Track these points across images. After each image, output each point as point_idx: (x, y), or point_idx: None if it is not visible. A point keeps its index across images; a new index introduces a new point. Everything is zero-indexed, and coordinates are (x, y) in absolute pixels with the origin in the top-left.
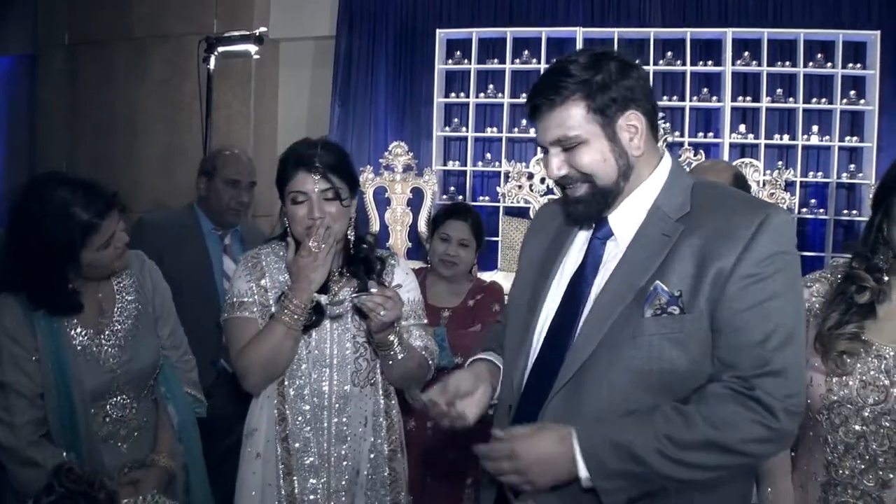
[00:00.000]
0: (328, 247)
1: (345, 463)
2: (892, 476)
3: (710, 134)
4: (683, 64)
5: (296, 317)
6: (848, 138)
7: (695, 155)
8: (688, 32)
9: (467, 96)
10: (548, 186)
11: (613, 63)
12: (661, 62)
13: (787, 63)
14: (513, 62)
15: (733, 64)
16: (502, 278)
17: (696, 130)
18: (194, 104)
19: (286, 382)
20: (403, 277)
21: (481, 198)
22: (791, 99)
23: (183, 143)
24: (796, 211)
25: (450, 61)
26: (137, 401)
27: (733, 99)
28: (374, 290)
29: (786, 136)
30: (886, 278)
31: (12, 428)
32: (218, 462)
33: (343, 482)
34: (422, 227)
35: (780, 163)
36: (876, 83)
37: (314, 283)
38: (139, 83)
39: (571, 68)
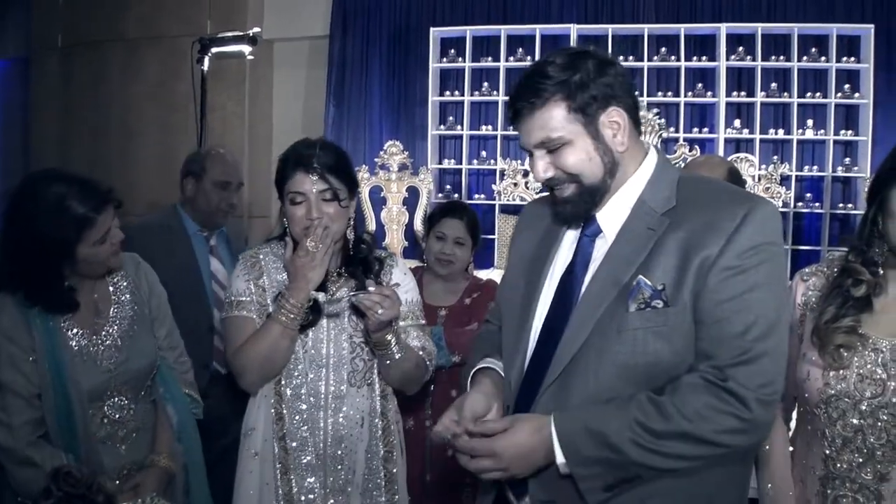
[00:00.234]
0: (325, 247)
1: (341, 463)
2: (889, 469)
3: (706, 129)
4: (678, 60)
5: (292, 316)
6: (843, 132)
7: (690, 150)
8: (682, 28)
9: (462, 95)
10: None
11: (591, 61)
12: (655, 58)
13: (782, 58)
14: (507, 60)
15: (727, 59)
16: (499, 276)
17: (690, 126)
18: (189, 105)
19: (283, 382)
20: (402, 278)
21: (477, 196)
22: (786, 93)
23: (178, 145)
24: (792, 205)
25: (444, 60)
26: (135, 402)
27: (728, 94)
28: (371, 289)
29: (781, 131)
30: (882, 272)
31: (10, 429)
32: (214, 462)
33: (340, 482)
34: (418, 225)
35: (775, 157)
36: (870, 77)
37: (311, 283)
38: (133, 85)
39: (549, 70)
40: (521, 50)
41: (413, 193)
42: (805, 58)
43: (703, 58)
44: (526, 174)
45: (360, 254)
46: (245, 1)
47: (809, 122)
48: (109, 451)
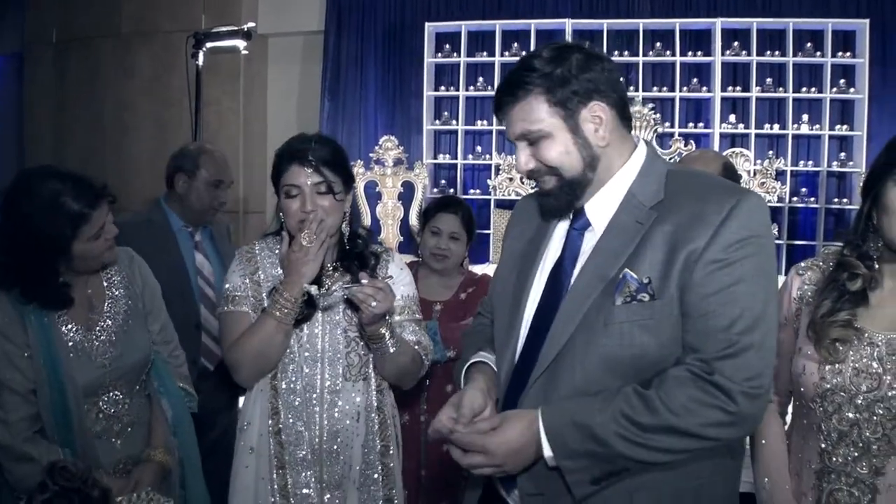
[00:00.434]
0: (319, 241)
1: (337, 457)
2: (885, 463)
3: (701, 124)
4: (673, 55)
5: (286, 310)
6: (838, 127)
7: (685, 145)
8: (677, 23)
9: (457, 89)
10: None
11: (576, 55)
12: (650, 53)
13: (777, 53)
14: (502, 55)
15: (723, 54)
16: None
17: (686, 121)
18: (183, 101)
19: (278, 377)
20: (397, 272)
21: (472, 191)
22: (781, 88)
23: (172, 140)
24: (787, 200)
25: (439, 55)
26: (130, 396)
27: (723, 89)
28: (364, 282)
29: (776, 126)
30: (878, 266)
31: (6, 425)
32: (205, 455)
33: (336, 477)
34: (413, 220)
35: (770, 152)
36: (865, 72)
37: (305, 278)
38: (128, 80)
39: (535, 63)
40: (515, 45)
41: (408, 188)
42: (800, 53)
43: (699, 53)
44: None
45: (356, 248)
46: None
47: (805, 117)
48: (105, 446)
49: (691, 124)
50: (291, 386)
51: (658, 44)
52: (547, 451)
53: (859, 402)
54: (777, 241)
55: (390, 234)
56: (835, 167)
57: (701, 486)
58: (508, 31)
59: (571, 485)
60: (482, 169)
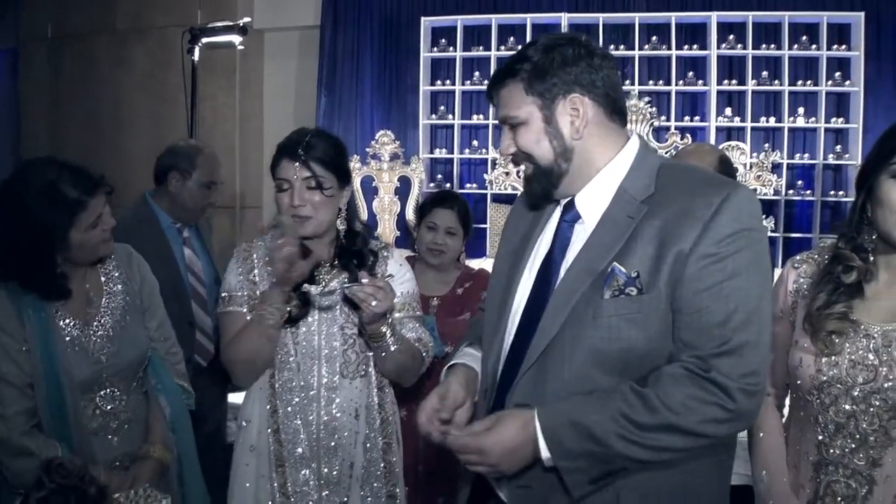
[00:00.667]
0: (293, 245)
1: (335, 455)
2: (882, 454)
3: (697, 118)
4: (669, 48)
5: (269, 317)
6: (834, 120)
7: (681, 139)
8: (672, 17)
9: (453, 84)
10: None
11: (568, 48)
12: (646, 47)
13: (773, 46)
14: (498, 49)
15: (718, 47)
16: (491, 265)
17: (682, 114)
18: (179, 97)
19: (276, 375)
20: (397, 269)
21: (469, 185)
22: (777, 81)
23: (169, 136)
24: (783, 193)
25: (435, 49)
26: (127, 393)
27: (719, 82)
28: (365, 281)
29: (772, 119)
30: (872, 258)
31: (3, 419)
32: (200, 451)
33: (335, 473)
34: (410, 215)
35: (766, 145)
36: (861, 64)
37: (287, 285)
38: (123, 76)
39: (527, 52)
40: (511, 39)
41: (405, 183)
42: (796, 46)
43: (694, 46)
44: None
45: (354, 246)
46: None
47: (800, 110)
48: (101, 443)
49: (687, 118)
50: (289, 384)
51: (654, 37)
52: (544, 453)
53: (856, 393)
54: (773, 234)
55: (387, 229)
56: (831, 160)
57: (699, 483)
58: (504, 25)
59: (569, 485)
60: (478, 163)
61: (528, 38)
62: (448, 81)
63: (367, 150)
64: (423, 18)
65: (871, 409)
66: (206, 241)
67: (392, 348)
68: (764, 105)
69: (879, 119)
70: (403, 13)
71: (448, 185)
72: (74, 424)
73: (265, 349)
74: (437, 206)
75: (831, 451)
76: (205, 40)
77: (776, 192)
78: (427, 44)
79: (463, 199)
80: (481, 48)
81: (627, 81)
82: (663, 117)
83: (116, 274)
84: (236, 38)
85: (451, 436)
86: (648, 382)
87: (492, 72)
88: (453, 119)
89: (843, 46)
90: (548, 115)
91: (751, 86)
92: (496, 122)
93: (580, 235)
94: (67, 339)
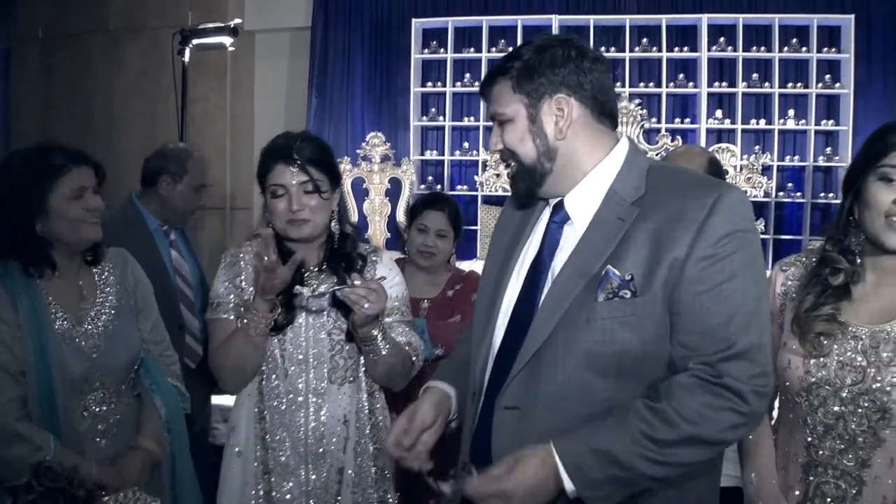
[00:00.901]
0: (273, 251)
1: (324, 461)
2: (871, 455)
3: (687, 119)
4: (659, 50)
5: (254, 324)
6: (824, 122)
7: (672, 141)
8: (663, 19)
9: (444, 86)
10: None
11: (559, 49)
12: (637, 49)
13: (763, 48)
14: (489, 51)
15: (709, 50)
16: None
17: (672, 116)
18: (171, 97)
19: (264, 381)
20: (387, 272)
21: (459, 187)
22: (767, 84)
23: (161, 137)
24: (773, 195)
25: (426, 51)
26: (117, 395)
27: (709, 85)
28: (357, 283)
29: (762, 121)
30: (860, 260)
31: None
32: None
33: (322, 481)
34: (400, 217)
35: (756, 147)
36: (851, 67)
37: (272, 293)
38: (115, 76)
39: (520, 51)
40: (502, 41)
41: (395, 184)
42: (786, 48)
43: (685, 48)
44: (508, 165)
45: (343, 249)
46: None
47: (791, 112)
48: (90, 445)
49: (678, 120)
50: (276, 390)
51: (644, 39)
52: (568, 485)
53: (844, 394)
54: (764, 236)
55: (377, 231)
56: (821, 162)
57: (679, 484)
58: (495, 26)
59: None
60: (469, 165)
61: (519, 40)
62: (439, 83)
63: (358, 151)
64: (413, 20)
65: (860, 410)
66: (192, 242)
67: (383, 352)
68: (754, 107)
69: (869, 121)
70: (394, 14)
71: (439, 186)
72: (64, 419)
73: (252, 356)
74: (428, 208)
75: (820, 452)
76: (195, 41)
77: (766, 195)
78: (418, 45)
79: (454, 201)
80: (472, 50)
81: (618, 83)
82: (654, 119)
83: (111, 275)
84: (227, 40)
85: (472, 484)
86: (660, 396)
87: (482, 73)
88: (444, 121)
89: (833, 49)
90: (533, 113)
91: (741, 88)
92: (487, 123)
93: (570, 237)
94: (59, 332)
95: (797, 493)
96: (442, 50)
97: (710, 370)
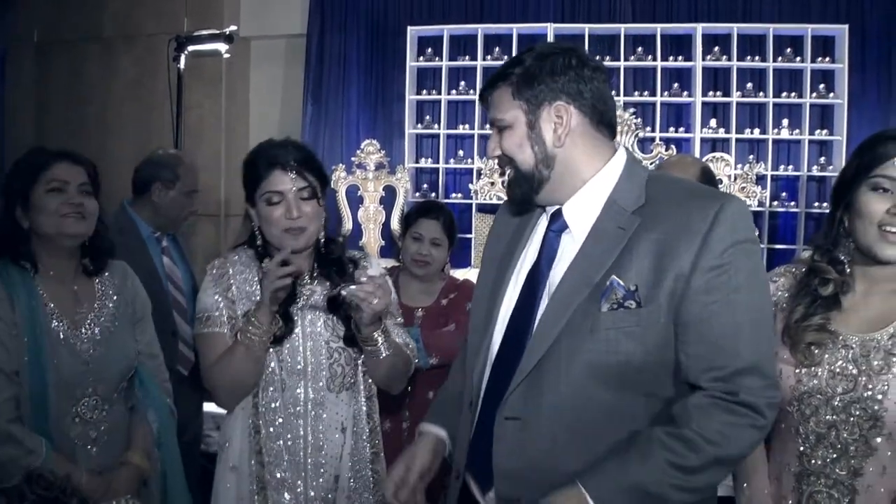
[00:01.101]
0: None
1: (322, 471)
2: (863, 464)
3: (682, 129)
4: (654, 59)
5: (256, 337)
6: (818, 132)
7: (666, 150)
8: (658, 28)
9: (439, 93)
10: None
11: (560, 58)
12: (631, 58)
13: (757, 58)
14: (484, 59)
15: (703, 59)
16: (476, 276)
17: (667, 125)
18: (166, 104)
19: (260, 395)
20: (378, 274)
21: (454, 195)
22: (761, 93)
23: (156, 143)
24: (767, 204)
25: (421, 58)
26: (109, 403)
27: (704, 94)
28: (363, 280)
29: (756, 131)
30: (849, 269)
31: None
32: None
33: (320, 492)
34: (395, 224)
35: (750, 157)
36: (845, 77)
37: (276, 303)
38: (110, 83)
39: (522, 57)
40: (497, 49)
41: (390, 192)
42: (780, 58)
43: (680, 58)
44: (503, 173)
45: (333, 254)
46: None
47: (785, 122)
48: (80, 452)
49: (672, 129)
50: (274, 404)
51: (639, 48)
52: None
53: (836, 403)
54: None
55: (372, 239)
56: (815, 171)
57: None
58: (490, 35)
59: None
60: (464, 173)
61: (514, 48)
62: (434, 91)
63: (353, 159)
64: (409, 28)
65: (852, 419)
66: (185, 249)
67: (386, 353)
68: (748, 116)
69: (863, 131)
70: (390, 22)
71: (433, 194)
72: (55, 423)
73: (253, 371)
74: (423, 216)
75: (812, 461)
76: (191, 48)
77: (760, 204)
78: (413, 53)
79: (448, 209)
80: (467, 58)
81: (613, 92)
82: (648, 128)
83: (110, 284)
84: (222, 46)
85: None
86: (677, 421)
87: (478, 81)
88: (439, 129)
89: (828, 59)
90: (532, 120)
91: (735, 97)
92: (482, 132)
93: (568, 246)
94: (55, 334)
95: (790, 502)
96: (437, 58)
97: (724, 386)
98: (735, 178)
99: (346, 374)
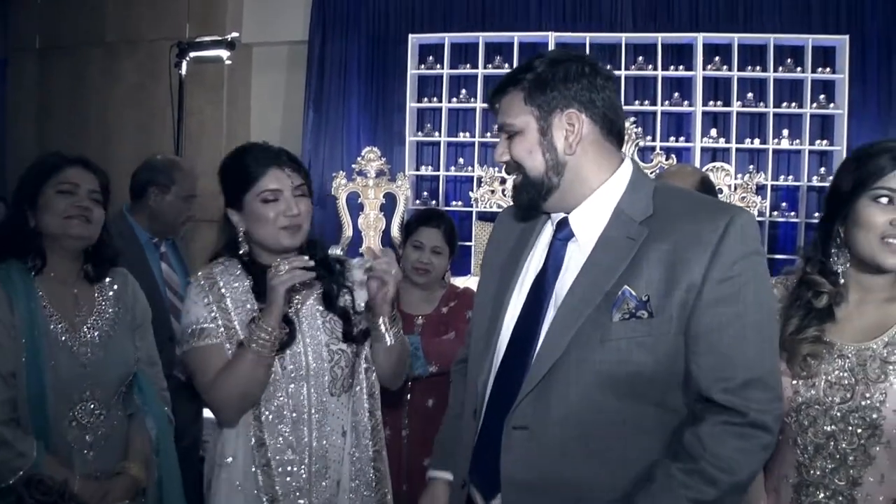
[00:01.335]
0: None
1: (325, 476)
2: (862, 474)
3: (682, 138)
4: (655, 68)
5: (265, 342)
6: (818, 142)
7: (667, 159)
8: (659, 37)
9: (440, 101)
10: None
11: (572, 65)
12: (632, 67)
13: (758, 68)
14: (485, 67)
15: (704, 68)
16: (476, 284)
17: (667, 135)
18: (167, 110)
19: (262, 407)
20: (361, 277)
21: (454, 203)
22: (762, 103)
23: (157, 149)
24: (767, 214)
25: (422, 66)
26: (106, 408)
27: (704, 103)
28: (378, 252)
29: (756, 140)
30: (843, 280)
31: None
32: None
33: (326, 496)
34: (395, 232)
35: (751, 166)
36: (845, 87)
37: (282, 304)
38: (112, 88)
39: (534, 63)
40: (498, 57)
41: (390, 200)
42: (781, 68)
43: (680, 67)
44: (503, 181)
45: (317, 255)
46: (224, 5)
47: (785, 132)
48: (76, 456)
49: (672, 138)
50: (278, 413)
51: (640, 58)
52: None
53: (834, 413)
54: None
55: (372, 245)
56: (815, 182)
57: None
58: (491, 43)
59: None
60: (464, 181)
61: (516, 56)
62: (435, 99)
63: (354, 166)
64: (410, 35)
65: (850, 429)
66: (185, 255)
67: (394, 340)
68: (749, 126)
69: (863, 141)
70: (391, 30)
71: (434, 202)
72: (52, 426)
73: (263, 379)
74: (423, 224)
75: (811, 472)
76: (193, 54)
77: (760, 214)
78: (414, 61)
79: (449, 217)
80: (468, 66)
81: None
82: (649, 137)
83: (111, 293)
84: (224, 53)
85: None
86: (689, 451)
87: (478, 89)
88: (440, 136)
89: (828, 69)
90: (544, 126)
91: (736, 107)
92: (482, 140)
93: (575, 255)
94: (54, 336)
95: None
96: (438, 65)
97: (733, 400)
98: (735, 188)
99: (346, 377)
